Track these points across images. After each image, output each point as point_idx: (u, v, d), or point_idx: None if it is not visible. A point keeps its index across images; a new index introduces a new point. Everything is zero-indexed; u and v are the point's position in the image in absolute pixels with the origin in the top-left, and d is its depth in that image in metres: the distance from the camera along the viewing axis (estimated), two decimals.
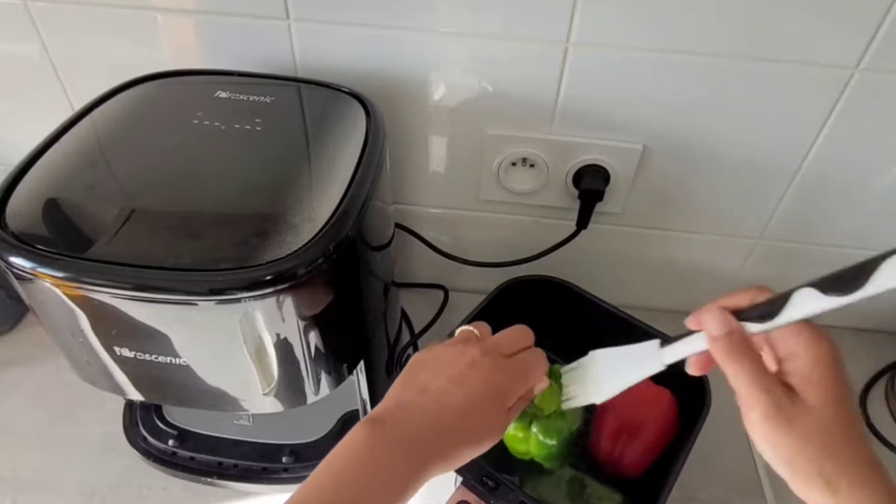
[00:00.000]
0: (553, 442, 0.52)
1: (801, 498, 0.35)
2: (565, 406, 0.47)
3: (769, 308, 0.35)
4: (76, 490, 0.65)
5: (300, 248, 0.42)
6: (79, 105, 0.55)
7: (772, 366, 0.36)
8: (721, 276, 0.80)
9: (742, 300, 0.36)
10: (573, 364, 0.48)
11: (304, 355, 0.48)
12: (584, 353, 0.62)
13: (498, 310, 0.71)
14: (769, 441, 0.34)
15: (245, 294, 0.41)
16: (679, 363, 0.40)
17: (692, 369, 0.39)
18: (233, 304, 0.42)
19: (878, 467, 0.33)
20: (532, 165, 0.70)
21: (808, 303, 0.34)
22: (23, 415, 0.71)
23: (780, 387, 0.34)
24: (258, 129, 0.53)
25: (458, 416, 0.40)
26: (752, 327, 0.35)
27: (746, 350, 0.35)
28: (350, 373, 0.55)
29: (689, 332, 0.39)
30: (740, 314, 0.36)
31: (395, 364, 0.71)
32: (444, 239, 0.80)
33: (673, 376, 0.66)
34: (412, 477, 0.38)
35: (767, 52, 0.58)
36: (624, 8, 0.56)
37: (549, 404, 0.49)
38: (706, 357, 0.38)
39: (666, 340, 0.41)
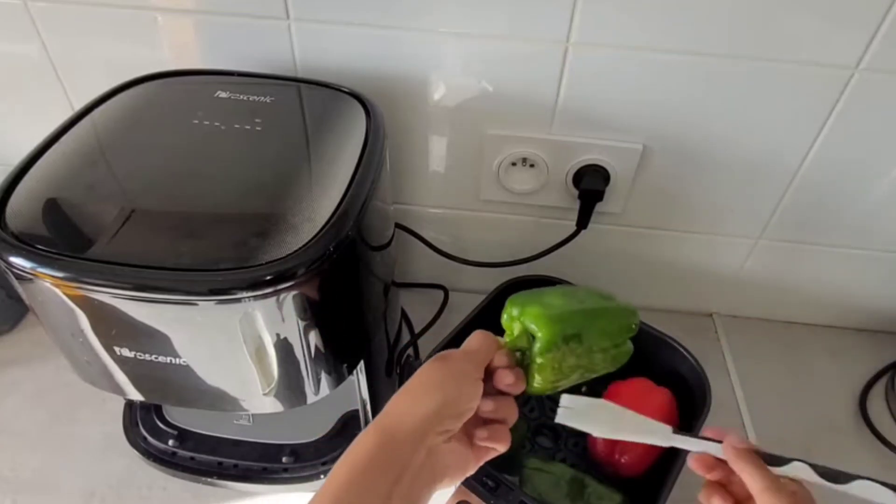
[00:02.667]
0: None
1: None
2: (558, 419, 0.49)
3: (774, 459, 0.43)
4: (76, 490, 0.65)
5: (300, 248, 0.42)
6: (79, 105, 0.55)
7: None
8: (721, 275, 0.80)
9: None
10: (581, 398, 0.50)
11: (304, 355, 0.48)
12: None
13: (498, 310, 0.70)
14: None
15: (245, 294, 0.41)
16: None
17: (693, 465, 0.46)
18: (233, 304, 0.42)
19: None
20: (532, 165, 0.70)
21: (803, 471, 0.42)
22: (23, 415, 0.71)
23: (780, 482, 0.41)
24: (258, 129, 0.53)
25: None
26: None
27: (761, 462, 0.43)
28: (350, 373, 0.55)
29: (704, 437, 0.46)
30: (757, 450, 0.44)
31: (395, 364, 0.71)
32: (444, 239, 0.80)
33: (673, 376, 0.67)
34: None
35: (767, 52, 0.58)
36: (624, 8, 0.56)
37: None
38: (711, 461, 0.45)
39: (678, 430, 0.47)
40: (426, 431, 0.41)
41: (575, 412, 0.50)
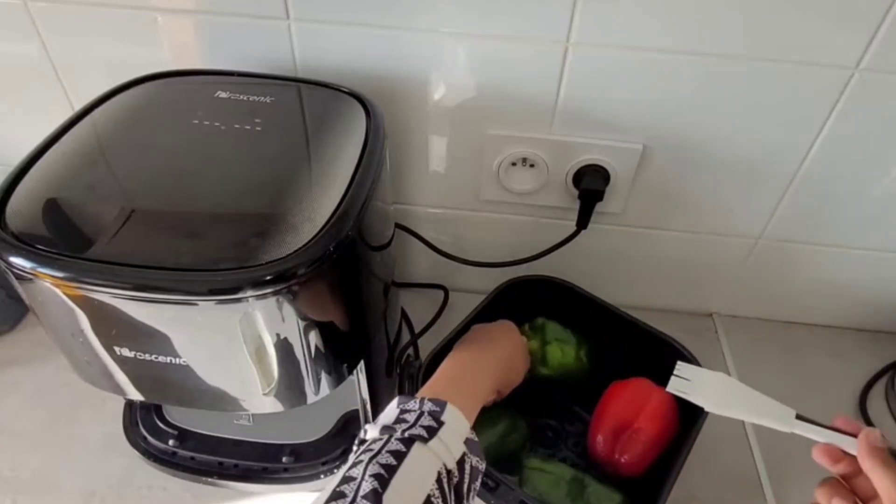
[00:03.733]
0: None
1: None
2: (670, 388, 0.48)
3: None
4: (76, 490, 0.65)
5: (300, 248, 0.42)
6: (79, 105, 0.55)
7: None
8: (721, 276, 0.80)
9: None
10: (695, 367, 0.50)
11: (304, 355, 0.48)
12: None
13: (498, 310, 0.71)
14: None
15: (245, 294, 0.41)
16: None
17: (818, 455, 0.43)
18: (233, 304, 0.42)
19: None
20: (532, 165, 0.70)
21: None
22: (23, 415, 0.71)
23: None
24: (258, 129, 0.53)
25: None
26: None
27: (891, 460, 0.40)
28: (350, 373, 0.55)
29: (833, 427, 0.44)
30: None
31: (395, 364, 0.71)
32: (444, 239, 0.80)
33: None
34: None
35: (767, 52, 0.58)
36: (624, 8, 0.56)
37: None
38: (837, 452, 0.43)
39: (803, 418, 0.45)
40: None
41: (690, 384, 0.48)
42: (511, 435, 0.64)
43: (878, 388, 0.78)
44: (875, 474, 0.40)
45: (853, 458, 0.42)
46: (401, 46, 0.62)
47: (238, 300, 0.41)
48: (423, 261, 0.83)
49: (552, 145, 0.68)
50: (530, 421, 0.71)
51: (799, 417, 0.45)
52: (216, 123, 0.53)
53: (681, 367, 0.49)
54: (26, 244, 0.42)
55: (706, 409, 0.47)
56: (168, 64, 0.62)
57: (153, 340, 0.45)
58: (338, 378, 0.53)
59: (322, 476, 0.64)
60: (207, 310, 0.42)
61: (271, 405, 0.52)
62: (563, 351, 0.69)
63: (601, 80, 0.62)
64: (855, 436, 0.42)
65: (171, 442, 0.66)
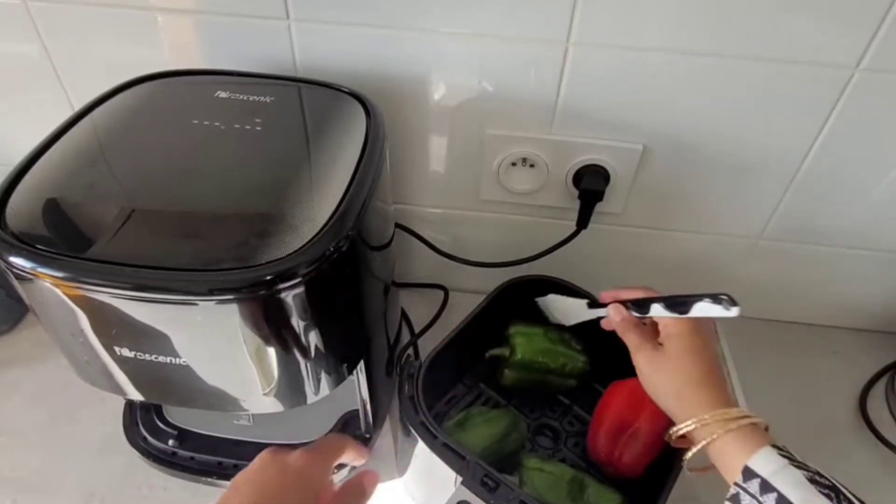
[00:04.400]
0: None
1: (663, 410, 0.52)
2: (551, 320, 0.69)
3: (641, 306, 0.55)
4: (76, 490, 0.65)
5: (300, 248, 0.42)
6: (79, 105, 0.55)
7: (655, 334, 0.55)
8: (721, 275, 0.80)
9: (633, 294, 0.56)
10: (548, 297, 0.69)
11: (304, 355, 0.48)
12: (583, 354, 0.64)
13: (498, 310, 0.71)
14: (643, 375, 0.53)
15: (245, 294, 0.41)
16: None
17: (604, 324, 0.58)
18: (233, 304, 0.42)
19: (717, 386, 0.50)
20: (532, 165, 0.70)
21: (659, 311, 0.53)
22: (23, 415, 0.71)
23: (650, 344, 0.53)
24: (258, 129, 0.53)
25: None
26: (634, 313, 0.56)
27: (632, 326, 0.55)
28: (350, 373, 0.55)
29: (604, 305, 0.59)
30: (628, 303, 0.56)
31: (395, 364, 0.71)
32: (444, 239, 0.80)
33: None
34: None
35: (767, 52, 0.58)
36: (624, 8, 0.56)
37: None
38: (609, 323, 0.57)
39: (590, 304, 0.63)
40: None
41: (545, 306, 0.69)
42: (511, 435, 0.64)
43: (878, 388, 0.78)
44: (623, 338, 0.55)
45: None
46: (401, 46, 0.62)
47: (238, 300, 0.41)
48: (423, 261, 0.83)
49: (552, 145, 0.68)
50: (530, 421, 0.71)
51: (589, 305, 0.63)
52: (216, 123, 0.53)
53: (541, 301, 0.69)
54: (26, 244, 0.42)
55: (564, 324, 0.67)
56: (168, 64, 0.62)
57: (153, 340, 0.45)
58: (338, 378, 0.53)
59: None
60: (207, 310, 0.42)
61: (271, 405, 0.52)
62: (528, 338, 0.70)
63: (601, 80, 0.62)
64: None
65: (170, 442, 0.66)
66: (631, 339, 0.54)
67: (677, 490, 0.55)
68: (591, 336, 0.71)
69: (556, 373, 0.69)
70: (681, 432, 0.49)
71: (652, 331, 0.55)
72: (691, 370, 0.50)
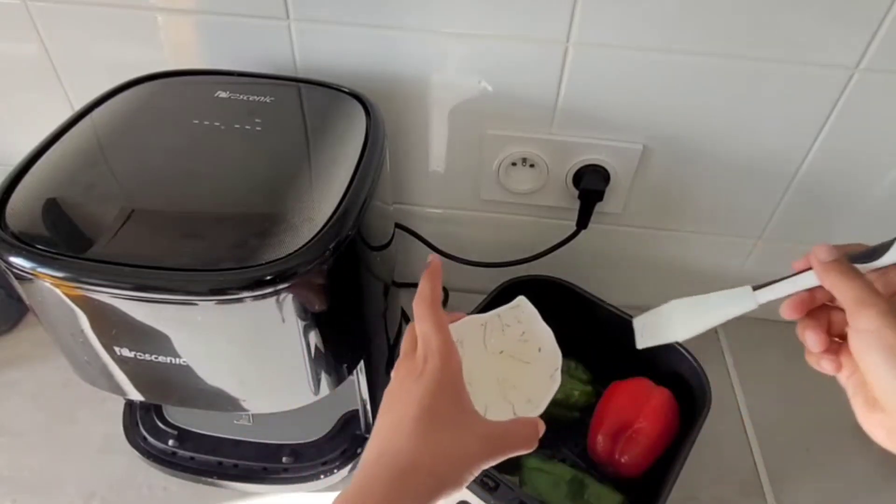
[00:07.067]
0: None
1: None
2: (639, 344, 0.48)
3: (871, 252, 0.37)
4: (76, 490, 0.65)
5: (300, 248, 0.42)
6: (79, 105, 0.55)
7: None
8: (721, 275, 0.80)
9: (845, 249, 0.38)
10: (648, 313, 0.48)
11: (304, 355, 0.48)
12: (582, 354, 0.64)
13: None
14: (886, 343, 0.33)
15: (245, 294, 0.41)
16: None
17: (787, 312, 0.40)
18: (233, 304, 0.42)
19: None
20: (532, 165, 0.70)
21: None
22: (23, 415, 0.71)
23: (887, 298, 0.35)
24: (258, 129, 0.53)
25: None
26: (858, 266, 0.37)
27: (855, 271, 0.36)
28: (350, 373, 0.55)
29: (777, 280, 0.41)
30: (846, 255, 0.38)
31: (394, 364, 0.71)
32: (444, 239, 0.80)
33: (673, 376, 0.67)
34: None
35: (767, 52, 0.58)
36: (624, 8, 0.56)
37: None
38: (806, 297, 0.40)
39: (760, 286, 0.42)
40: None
41: (652, 330, 0.47)
42: None
43: None
44: (837, 289, 0.36)
45: (823, 301, 0.39)
46: (401, 46, 0.62)
47: (238, 300, 0.41)
48: (423, 261, 0.82)
49: (552, 145, 0.68)
50: None
51: (756, 288, 0.42)
52: (216, 123, 0.53)
53: (636, 323, 0.48)
54: (26, 244, 0.42)
55: (679, 339, 0.45)
56: (168, 64, 0.62)
57: (153, 340, 0.45)
58: (338, 378, 0.53)
59: (322, 476, 0.64)
60: (207, 310, 0.42)
61: (271, 405, 0.52)
62: None
63: (601, 80, 0.62)
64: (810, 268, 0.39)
65: (170, 442, 0.66)
66: (857, 283, 0.35)
67: (677, 490, 0.55)
68: (592, 336, 0.72)
69: (560, 404, 0.68)
70: None
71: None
72: None
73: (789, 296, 0.40)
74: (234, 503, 0.65)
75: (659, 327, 0.46)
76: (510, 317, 0.50)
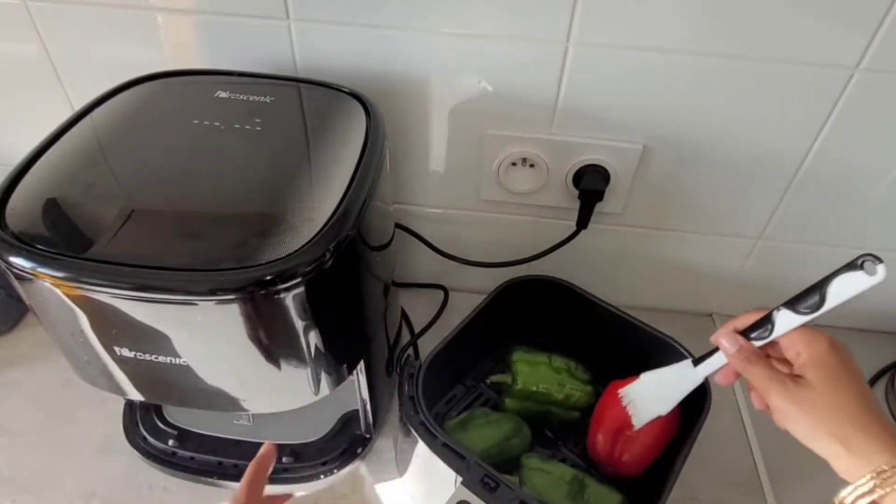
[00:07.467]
0: None
1: (826, 459, 0.41)
2: (637, 424, 0.57)
3: (760, 328, 0.45)
4: (76, 490, 0.65)
5: (300, 248, 0.42)
6: (79, 105, 0.55)
7: (785, 368, 0.45)
8: (721, 275, 0.80)
9: (749, 320, 0.46)
10: (632, 384, 0.58)
11: (304, 355, 0.48)
12: (582, 354, 0.65)
13: (498, 310, 0.71)
14: (788, 417, 0.42)
15: (245, 294, 0.41)
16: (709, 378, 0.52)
17: (719, 380, 0.48)
18: (233, 304, 0.42)
19: (884, 423, 0.40)
20: (532, 165, 0.70)
21: (787, 319, 0.44)
22: (23, 415, 0.71)
23: (786, 377, 0.42)
24: (258, 129, 0.53)
25: None
26: (756, 343, 0.45)
27: (755, 358, 0.44)
28: (350, 373, 0.55)
29: (714, 351, 0.49)
30: (746, 332, 0.46)
31: (395, 364, 0.71)
32: (444, 239, 0.80)
33: None
34: None
35: (767, 52, 0.58)
36: (624, 8, 0.56)
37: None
38: (730, 369, 0.47)
39: (696, 360, 0.52)
40: None
41: (639, 407, 0.56)
42: (513, 439, 0.64)
43: (878, 389, 0.78)
44: (745, 373, 0.45)
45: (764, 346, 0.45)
46: (401, 46, 0.62)
47: (238, 300, 0.41)
48: (423, 261, 0.83)
49: (552, 145, 0.68)
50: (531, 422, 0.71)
51: (695, 362, 0.51)
52: (216, 123, 0.53)
53: (624, 396, 0.58)
54: (26, 244, 0.42)
55: (662, 414, 0.55)
56: (168, 64, 0.62)
57: (153, 340, 0.45)
58: (338, 378, 0.53)
59: (322, 476, 0.64)
60: (207, 310, 0.42)
61: (271, 405, 0.52)
62: (531, 366, 0.68)
63: (601, 80, 0.62)
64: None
65: (170, 442, 0.66)
66: (758, 374, 0.43)
67: (677, 490, 0.55)
68: (592, 336, 0.72)
69: (560, 404, 0.68)
70: (859, 495, 0.38)
71: (782, 364, 0.45)
72: (850, 405, 0.40)
73: (723, 366, 0.48)
74: None
75: (642, 405, 0.57)
76: (346, 486, 0.51)
